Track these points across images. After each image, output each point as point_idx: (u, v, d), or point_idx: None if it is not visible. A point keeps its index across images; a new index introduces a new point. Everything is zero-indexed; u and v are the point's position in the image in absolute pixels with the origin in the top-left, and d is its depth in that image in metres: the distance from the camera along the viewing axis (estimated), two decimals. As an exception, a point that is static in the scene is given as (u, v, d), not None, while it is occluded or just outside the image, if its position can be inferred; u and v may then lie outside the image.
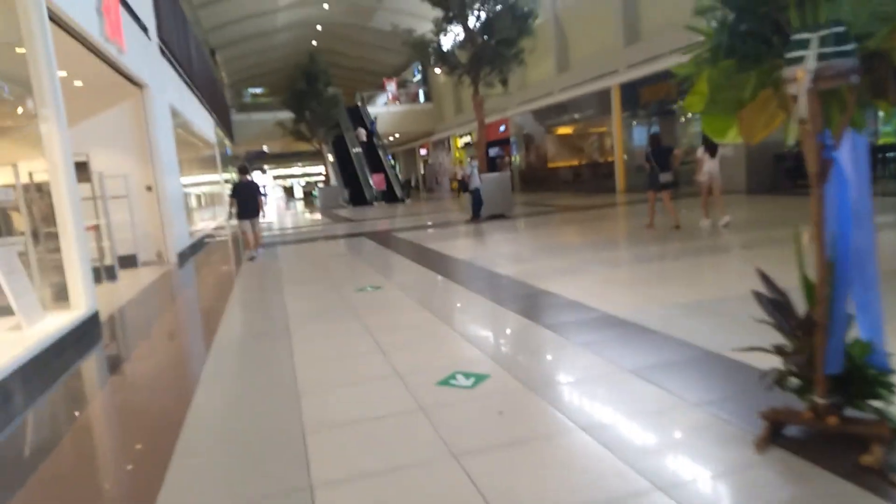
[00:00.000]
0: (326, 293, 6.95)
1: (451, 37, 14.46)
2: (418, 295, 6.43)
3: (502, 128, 28.73)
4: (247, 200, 10.72)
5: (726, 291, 5.34)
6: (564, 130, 25.11)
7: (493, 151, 29.98)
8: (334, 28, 39.87)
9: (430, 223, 15.58)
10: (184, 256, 11.64)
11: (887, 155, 15.24)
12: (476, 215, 14.08)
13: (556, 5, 22.76)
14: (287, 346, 4.75)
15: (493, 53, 13.89)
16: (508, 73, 14.62)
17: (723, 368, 3.47)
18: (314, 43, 38.73)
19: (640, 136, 19.69)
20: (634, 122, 19.83)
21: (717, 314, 4.64)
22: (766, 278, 2.75)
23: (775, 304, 2.69)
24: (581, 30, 22.05)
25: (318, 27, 39.29)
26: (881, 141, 15.48)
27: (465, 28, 14.05)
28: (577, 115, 23.03)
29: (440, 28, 14.19)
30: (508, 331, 4.87)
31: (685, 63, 2.62)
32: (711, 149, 9.64)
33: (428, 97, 40.32)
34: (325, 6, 35.77)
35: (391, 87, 39.13)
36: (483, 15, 13.59)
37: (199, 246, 13.84)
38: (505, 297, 6.00)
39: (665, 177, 9.80)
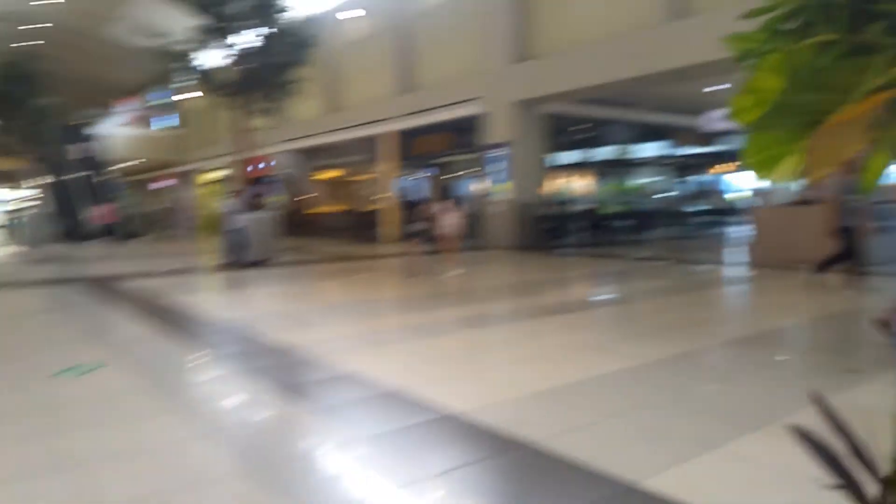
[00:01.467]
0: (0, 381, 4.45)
1: (216, 52, 12.26)
2: (154, 383, 4.37)
3: (265, 164, 26.38)
4: None
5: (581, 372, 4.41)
6: (332, 174, 23.93)
7: (253, 189, 27.34)
8: (62, 35, 33.47)
9: (173, 268, 12.78)
10: None
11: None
12: (234, 260, 11.87)
13: (331, 42, 21.76)
14: None
15: (264, 78, 12.07)
16: (280, 103, 12.87)
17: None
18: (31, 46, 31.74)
19: (411, 186, 19.41)
20: (404, 172, 19.47)
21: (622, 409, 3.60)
22: (826, 410, 1.63)
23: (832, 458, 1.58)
24: (356, 71, 21.35)
25: (35, 26, 32.59)
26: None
27: (233, 44, 12.03)
28: (346, 160, 22.04)
29: (200, 39, 11.92)
30: (332, 470, 3.21)
31: (747, 33, 1.46)
32: (452, 202, 10.17)
33: (179, 122, 35.94)
34: None
35: (131, 107, 34.00)
36: (257, 32, 11.75)
37: None
38: (297, 384, 4.30)
39: (415, 227, 10.33)
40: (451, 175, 19.02)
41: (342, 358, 4.84)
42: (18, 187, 46.14)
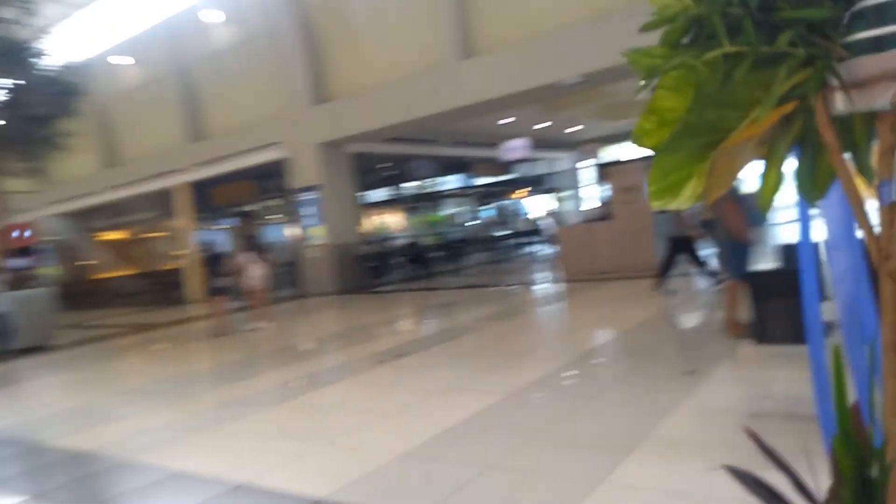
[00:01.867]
0: None
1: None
2: None
3: (27, 232, 22.63)
4: None
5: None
6: (119, 234, 21.32)
7: (14, 263, 23.28)
8: None
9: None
10: None
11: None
12: None
13: (104, 90, 19.51)
14: None
15: (20, 133, 10.24)
16: (42, 162, 11.01)
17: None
18: None
19: (211, 239, 17.91)
20: (204, 225, 17.98)
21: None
22: (764, 447, 1.53)
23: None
24: (136, 121, 19.35)
25: None
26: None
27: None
28: (134, 217, 19.76)
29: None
30: None
31: (647, 49, 1.32)
32: (256, 253, 9.68)
33: None
34: None
35: None
36: (8, 81, 9.92)
37: None
38: (111, 500, 3.45)
39: (219, 282, 9.66)
40: (257, 223, 17.99)
41: (162, 455, 4.04)
42: None
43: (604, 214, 11.90)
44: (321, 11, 14.51)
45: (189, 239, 17.43)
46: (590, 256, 11.32)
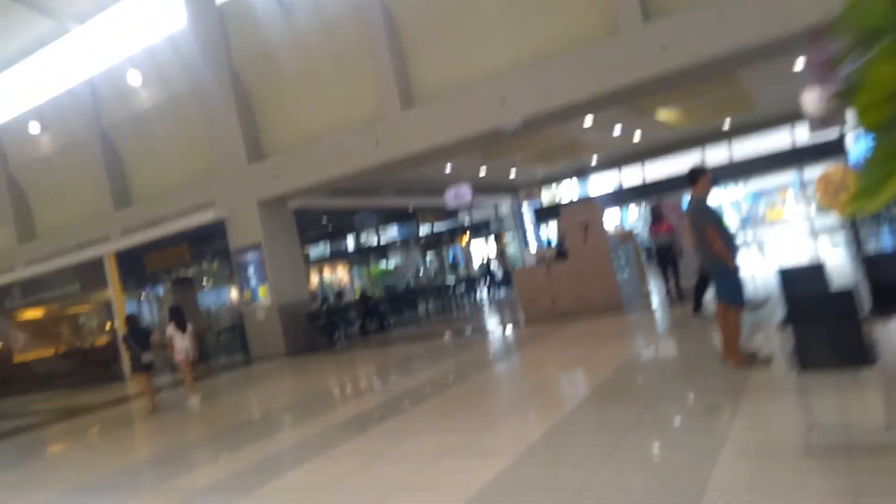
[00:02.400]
0: None
1: None
2: None
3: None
4: None
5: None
6: (37, 313, 19.63)
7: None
8: None
9: None
10: None
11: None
12: None
13: (14, 160, 18.25)
14: None
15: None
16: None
17: None
18: None
19: (138, 311, 16.74)
20: (136, 294, 16.79)
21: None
22: None
23: None
24: (54, 190, 18.10)
25: None
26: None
27: None
28: (55, 293, 18.23)
29: None
30: None
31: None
32: (181, 324, 9.34)
33: None
34: None
35: None
36: None
37: None
38: None
39: (146, 357, 9.30)
40: (194, 289, 16.95)
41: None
42: None
43: (555, 254, 11.80)
44: (250, 67, 14.11)
45: (120, 311, 16.17)
46: (549, 297, 11.12)
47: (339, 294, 15.12)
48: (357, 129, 12.76)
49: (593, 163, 21.73)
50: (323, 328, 14.65)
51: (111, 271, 16.25)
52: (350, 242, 18.83)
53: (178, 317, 9.32)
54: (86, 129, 16.71)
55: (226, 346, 16.54)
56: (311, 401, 8.01)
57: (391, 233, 20.29)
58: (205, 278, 16.96)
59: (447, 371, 8.19)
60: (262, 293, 14.20)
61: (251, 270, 14.30)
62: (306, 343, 14.23)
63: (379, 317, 15.21)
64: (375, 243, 19.67)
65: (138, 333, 9.51)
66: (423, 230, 21.38)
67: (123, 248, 16.06)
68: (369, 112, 12.82)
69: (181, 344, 9.24)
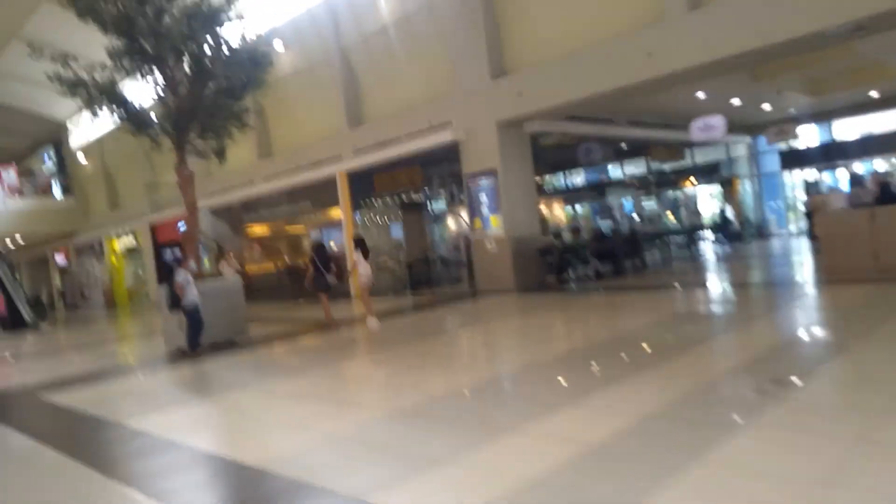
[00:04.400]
0: None
1: (142, 82, 9.42)
2: None
3: (182, 225, 23.00)
4: None
5: None
6: (268, 228, 21.02)
7: (169, 255, 23.93)
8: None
9: (108, 367, 9.60)
10: None
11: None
12: (191, 347, 8.93)
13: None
14: None
15: (208, 106, 9.37)
16: (226, 138, 10.14)
17: None
18: None
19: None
20: (364, 214, 17.00)
21: None
22: None
23: None
24: (289, 111, 18.83)
25: None
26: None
27: (163, 70, 9.27)
28: (285, 210, 19.24)
29: (119, 62, 9.09)
30: None
31: None
32: (365, 253, 10.04)
33: (66, 190, 31.45)
34: None
35: (8, 175, 29.28)
36: (196, 50, 9.04)
37: None
38: None
39: (329, 278, 10.38)
40: (419, 214, 16.77)
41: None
42: None
43: (879, 196, 9.46)
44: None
45: (349, 230, 16.51)
46: (868, 250, 8.89)
47: (576, 230, 13.89)
48: (623, 38, 11.11)
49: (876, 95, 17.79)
50: (552, 266, 13.63)
51: (342, 190, 16.54)
52: (574, 176, 17.42)
53: (362, 246, 10.08)
54: (325, 48, 16.87)
55: (449, 276, 16.31)
56: (635, 346, 6.94)
57: (615, 171, 18.52)
58: (432, 203, 16.69)
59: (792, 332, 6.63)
60: (495, 223, 13.45)
61: (484, 198, 13.57)
62: (534, 280, 13.35)
63: (614, 259, 13.80)
64: (601, 179, 18.08)
65: (323, 258, 10.46)
66: (654, 168, 19.30)
67: (355, 168, 16.22)
68: (641, 17, 11.08)
69: (364, 270, 9.94)
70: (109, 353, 11.67)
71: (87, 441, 5.00)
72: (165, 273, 19.31)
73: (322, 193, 17.29)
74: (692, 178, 21.04)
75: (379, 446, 3.95)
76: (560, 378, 5.22)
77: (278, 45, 17.75)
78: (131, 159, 26.77)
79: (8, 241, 30.14)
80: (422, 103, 14.90)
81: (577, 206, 17.62)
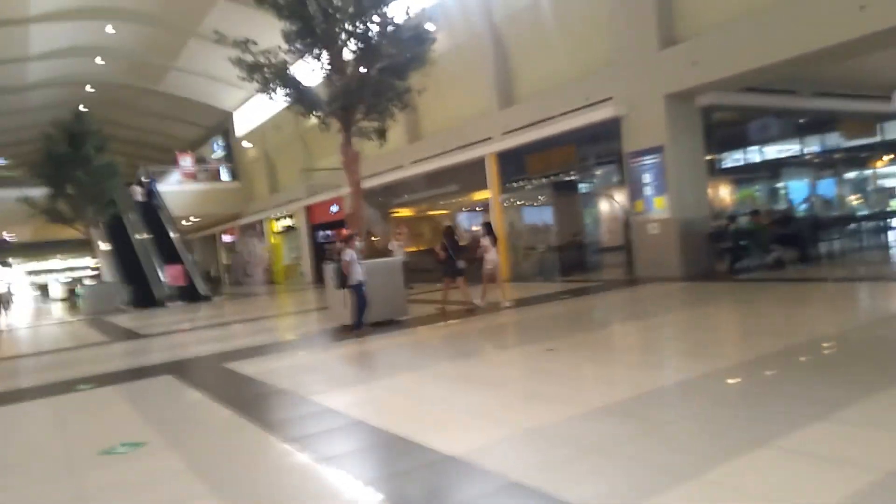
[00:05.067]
0: None
1: (312, 64, 9.66)
2: None
3: (335, 208, 24.09)
4: None
5: None
6: (414, 211, 21.32)
7: (324, 235, 25.28)
8: (112, 91, 32.45)
9: (282, 338, 10.07)
10: None
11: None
12: (359, 323, 9.08)
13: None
14: None
15: (374, 85, 9.40)
16: (389, 118, 10.16)
17: None
18: (82, 108, 30.32)
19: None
20: (514, 197, 16.58)
21: None
22: None
23: None
24: (438, 94, 18.78)
25: (89, 87, 31.60)
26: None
27: (332, 50, 9.42)
28: (431, 193, 19.32)
29: (292, 45, 9.38)
30: None
31: None
32: (493, 238, 10.27)
33: (233, 175, 34.31)
34: (99, 60, 28.67)
35: (186, 161, 32.46)
36: (363, 30, 9.09)
37: None
38: None
39: (461, 264, 10.31)
40: (573, 195, 16.04)
41: None
42: (78, 255, 45.42)
43: None
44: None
45: (497, 212, 16.19)
46: None
47: (755, 213, 12.49)
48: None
49: None
50: (725, 252, 12.37)
51: (492, 172, 16.24)
52: (749, 154, 15.75)
53: (490, 232, 10.36)
54: (473, 27, 16.57)
55: (603, 261, 15.50)
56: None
57: (803, 144, 16.50)
58: (586, 184, 15.91)
59: None
60: (659, 204, 12.44)
61: (648, 177, 12.59)
62: (703, 268, 12.20)
63: (800, 245, 12.24)
64: (788, 156, 16.19)
65: (453, 243, 10.40)
66: (845, 144, 17.00)
67: (505, 150, 15.83)
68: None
69: (492, 255, 10.21)
70: (279, 327, 12.31)
71: (279, 414, 5.07)
72: (325, 253, 20.36)
73: (470, 176, 17.11)
74: (885, 157, 18.31)
75: (595, 450, 3.50)
76: (788, 382, 4.45)
77: (430, 26, 17.71)
78: (289, 146, 28.49)
79: (183, 221, 33.43)
80: (577, 79, 14.15)
81: (753, 187, 15.95)
